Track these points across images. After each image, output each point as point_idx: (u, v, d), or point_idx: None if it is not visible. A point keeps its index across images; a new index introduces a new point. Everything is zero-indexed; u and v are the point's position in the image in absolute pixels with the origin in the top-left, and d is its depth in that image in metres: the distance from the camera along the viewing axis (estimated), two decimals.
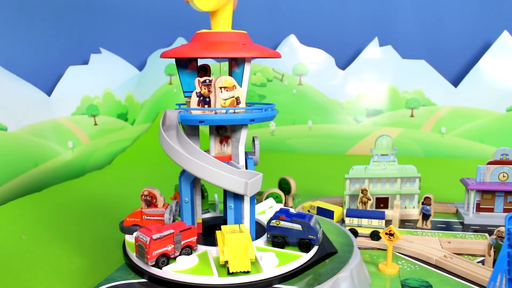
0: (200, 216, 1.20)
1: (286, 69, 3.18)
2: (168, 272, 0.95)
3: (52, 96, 2.45)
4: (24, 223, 1.64)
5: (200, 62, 1.11)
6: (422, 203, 1.54)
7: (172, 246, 0.99)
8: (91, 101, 2.66)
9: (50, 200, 1.93)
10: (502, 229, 1.18)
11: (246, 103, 1.06)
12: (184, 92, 1.07)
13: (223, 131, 1.09)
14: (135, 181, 2.24)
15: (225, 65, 1.13)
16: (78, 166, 2.44)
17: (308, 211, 1.58)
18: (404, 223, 1.58)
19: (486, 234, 1.47)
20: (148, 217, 1.18)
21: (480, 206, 1.60)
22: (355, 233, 1.38)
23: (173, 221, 1.16)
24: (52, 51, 2.53)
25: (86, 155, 2.53)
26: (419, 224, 1.55)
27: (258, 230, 1.18)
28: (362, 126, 3.06)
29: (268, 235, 1.09)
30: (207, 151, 1.10)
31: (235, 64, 1.05)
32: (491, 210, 1.59)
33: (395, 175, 1.62)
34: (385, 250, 1.31)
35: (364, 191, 1.54)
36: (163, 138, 1.02)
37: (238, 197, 1.05)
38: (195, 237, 1.04)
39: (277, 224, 1.07)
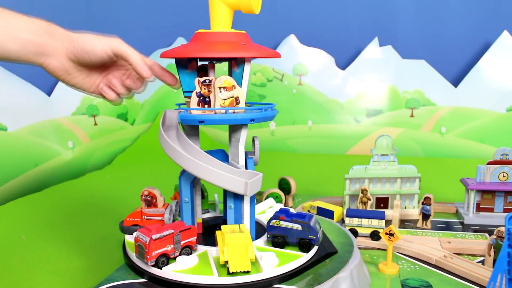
0: (200, 216, 1.20)
1: (286, 69, 3.18)
2: (168, 272, 0.95)
3: (52, 96, 2.45)
4: (24, 223, 1.64)
5: (201, 62, 1.11)
6: (422, 203, 1.54)
7: (172, 246, 0.99)
8: (91, 101, 2.66)
9: (50, 200, 1.93)
10: (502, 229, 1.18)
11: (246, 103, 1.06)
12: (184, 92, 1.07)
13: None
14: (135, 181, 2.24)
15: (225, 65, 1.13)
16: (78, 166, 2.44)
17: (308, 211, 1.58)
18: (404, 223, 1.58)
19: (486, 234, 1.47)
20: (148, 217, 1.18)
21: (480, 206, 1.60)
22: (355, 233, 1.38)
23: (173, 221, 1.16)
24: None
25: (86, 155, 2.53)
26: (419, 224, 1.55)
27: (258, 230, 1.18)
28: (362, 126, 3.06)
29: (268, 235, 1.09)
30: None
31: (235, 64, 1.05)
32: (491, 210, 1.59)
33: (395, 175, 1.62)
34: (385, 250, 1.31)
35: (364, 191, 1.54)
36: (163, 138, 1.02)
37: (238, 197, 1.05)
38: (195, 237, 1.04)
39: (277, 224, 1.07)
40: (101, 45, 0.91)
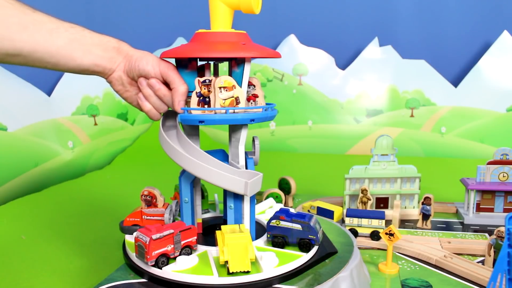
0: (200, 216, 1.20)
1: (286, 69, 3.18)
2: (168, 272, 0.95)
3: (52, 96, 2.45)
4: (24, 223, 1.64)
5: (201, 62, 1.11)
6: (422, 203, 1.54)
7: (172, 246, 0.99)
8: (91, 101, 2.66)
9: (50, 200, 1.93)
10: (502, 229, 1.18)
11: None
12: None
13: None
14: (135, 181, 2.24)
15: (225, 65, 1.13)
16: (78, 166, 2.44)
17: (308, 211, 1.58)
18: (404, 223, 1.58)
19: (486, 234, 1.47)
20: (148, 217, 1.18)
21: (480, 206, 1.60)
22: (355, 233, 1.38)
23: (173, 221, 1.16)
24: None
25: (86, 155, 2.53)
26: (419, 224, 1.55)
27: (258, 230, 1.18)
28: (362, 126, 3.06)
29: (268, 235, 1.09)
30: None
31: (235, 64, 1.05)
32: (491, 210, 1.59)
33: (395, 175, 1.62)
34: (385, 250, 1.31)
35: (364, 191, 1.54)
36: (163, 138, 1.02)
37: (238, 197, 1.05)
38: (195, 237, 1.04)
39: (277, 224, 1.07)
40: (152, 65, 0.99)
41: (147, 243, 0.95)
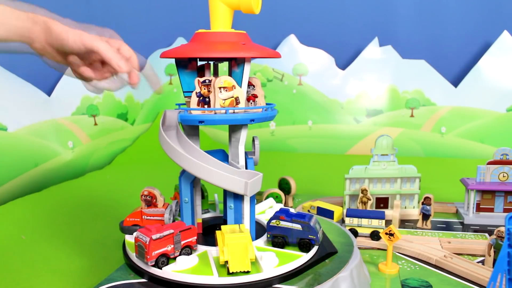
0: (200, 216, 1.20)
1: (286, 69, 3.18)
2: (168, 272, 0.95)
3: (52, 96, 2.44)
4: (24, 223, 1.64)
5: (201, 62, 1.11)
6: (422, 203, 1.54)
7: (172, 246, 0.99)
8: (91, 101, 2.66)
9: (50, 200, 1.93)
10: (502, 229, 1.18)
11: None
12: (184, 92, 1.07)
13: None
14: (135, 181, 2.24)
15: (225, 65, 1.13)
16: (78, 166, 2.44)
17: (308, 211, 1.58)
18: (404, 223, 1.58)
19: (486, 234, 1.47)
20: (148, 217, 1.18)
21: (480, 206, 1.60)
22: (355, 233, 1.38)
23: (173, 221, 1.16)
24: None
25: (86, 155, 2.53)
26: (419, 224, 1.55)
27: (258, 230, 1.18)
28: (362, 126, 3.06)
29: (268, 235, 1.09)
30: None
31: (235, 64, 1.05)
32: (491, 210, 1.59)
33: (395, 175, 1.62)
34: (385, 250, 1.31)
35: (364, 191, 1.54)
36: (163, 138, 1.02)
37: (238, 197, 1.05)
38: (195, 237, 1.04)
39: (277, 224, 1.07)
40: (73, 37, 0.90)
41: (147, 243, 0.95)
